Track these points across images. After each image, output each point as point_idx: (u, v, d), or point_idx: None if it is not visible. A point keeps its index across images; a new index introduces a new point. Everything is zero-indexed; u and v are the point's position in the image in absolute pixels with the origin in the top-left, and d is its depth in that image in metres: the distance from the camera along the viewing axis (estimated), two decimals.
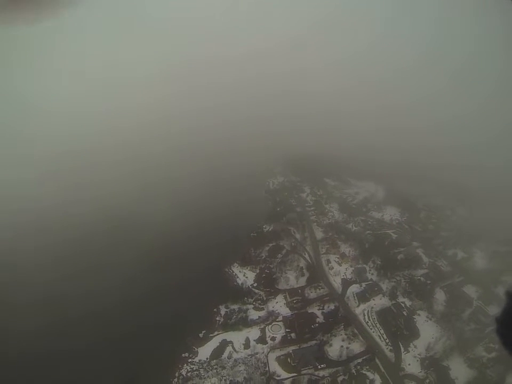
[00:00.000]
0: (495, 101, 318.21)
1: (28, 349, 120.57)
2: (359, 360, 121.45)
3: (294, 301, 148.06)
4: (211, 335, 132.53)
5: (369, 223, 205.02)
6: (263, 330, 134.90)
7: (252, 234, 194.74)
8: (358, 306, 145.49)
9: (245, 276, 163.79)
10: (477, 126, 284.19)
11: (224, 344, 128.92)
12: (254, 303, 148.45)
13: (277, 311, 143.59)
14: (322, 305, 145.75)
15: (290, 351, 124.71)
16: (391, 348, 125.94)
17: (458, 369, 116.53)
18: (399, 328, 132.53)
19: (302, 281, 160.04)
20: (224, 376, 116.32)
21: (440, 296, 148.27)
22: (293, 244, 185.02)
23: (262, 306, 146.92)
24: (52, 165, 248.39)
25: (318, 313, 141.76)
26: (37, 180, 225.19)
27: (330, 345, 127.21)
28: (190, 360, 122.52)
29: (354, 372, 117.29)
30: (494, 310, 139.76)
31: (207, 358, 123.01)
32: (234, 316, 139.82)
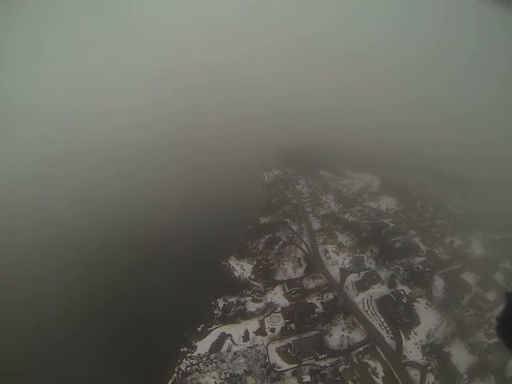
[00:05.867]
0: (496, 98, 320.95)
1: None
2: (360, 349, 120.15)
3: (293, 292, 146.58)
4: (209, 328, 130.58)
5: (366, 212, 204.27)
6: (262, 322, 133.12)
7: (248, 227, 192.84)
8: (357, 295, 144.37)
9: (242, 268, 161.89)
10: (473, 122, 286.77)
11: (223, 337, 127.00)
12: (252, 295, 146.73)
13: (275, 302, 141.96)
14: (321, 295, 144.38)
15: (290, 342, 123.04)
16: (392, 335, 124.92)
17: (460, 355, 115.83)
18: (399, 316, 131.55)
19: (300, 271, 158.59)
20: (224, 370, 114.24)
21: (439, 283, 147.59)
22: (289, 235, 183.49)
23: (260, 298, 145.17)
24: (40, 168, 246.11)
25: (317, 303, 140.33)
26: (24, 183, 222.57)
27: (331, 335, 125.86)
28: (189, 354, 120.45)
29: (356, 360, 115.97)
30: (493, 296, 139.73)
31: (206, 352, 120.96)
32: (233, 309, 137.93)
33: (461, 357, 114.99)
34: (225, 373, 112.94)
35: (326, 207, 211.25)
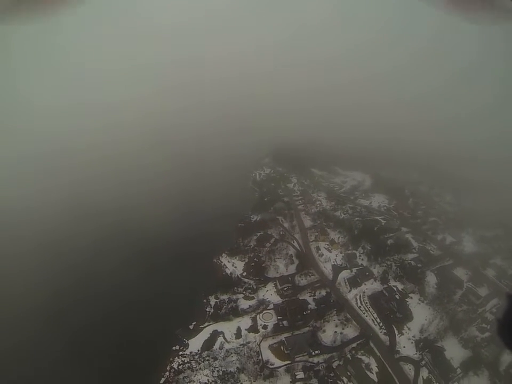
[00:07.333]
0: (486, 99, 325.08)
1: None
2: (354, 345, 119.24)
3: (285, 289, 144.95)
4: (201, 326, 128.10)
5: (358, 210, 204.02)
6: (254, 319, 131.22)
7: (239, 224, 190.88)
8: (350, 291, 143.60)
9: (233, 266, 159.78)
10: (464, 122, 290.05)
11: (215, 335, 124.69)
12: (244, 292, 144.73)
13: (267, 299, 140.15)
14: (313, 291, 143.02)
15: (283, 339, 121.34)
16: (385, 331, 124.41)
17: (453, 349, 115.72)
18: (392, 312, 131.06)
19: (292, 268, 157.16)
20: (217, 367, 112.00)
21: (431, 279, 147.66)
22: (281, 232, 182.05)
23: (252, 295, 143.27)
24: (31, 165, 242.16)
25: (310, 299, 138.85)
26: (16, 179, 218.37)
27: (324, 331, 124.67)
28: (181, 352, 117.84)
29: (349, 356, 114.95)
30: (484, 291, 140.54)
31: (198, 350, 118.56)
32: (225, 306, 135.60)
33: (454, 351, 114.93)
34: (217, 371, 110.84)
35: (318, 205, 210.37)
